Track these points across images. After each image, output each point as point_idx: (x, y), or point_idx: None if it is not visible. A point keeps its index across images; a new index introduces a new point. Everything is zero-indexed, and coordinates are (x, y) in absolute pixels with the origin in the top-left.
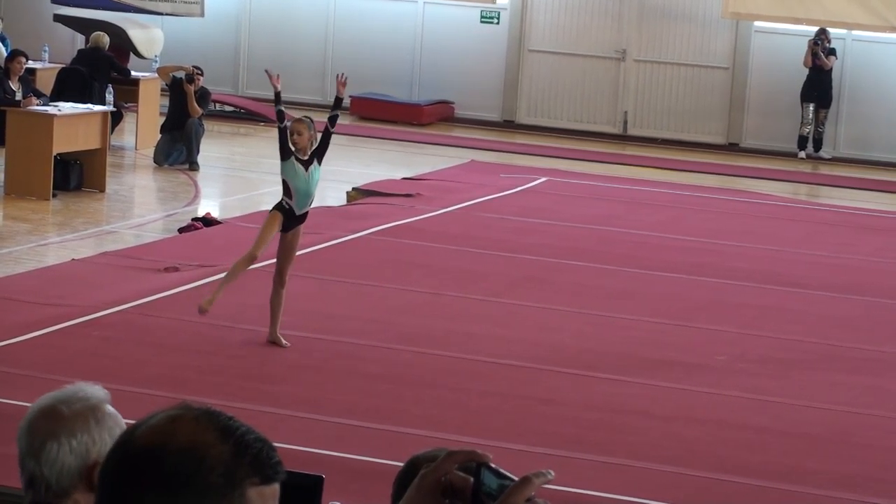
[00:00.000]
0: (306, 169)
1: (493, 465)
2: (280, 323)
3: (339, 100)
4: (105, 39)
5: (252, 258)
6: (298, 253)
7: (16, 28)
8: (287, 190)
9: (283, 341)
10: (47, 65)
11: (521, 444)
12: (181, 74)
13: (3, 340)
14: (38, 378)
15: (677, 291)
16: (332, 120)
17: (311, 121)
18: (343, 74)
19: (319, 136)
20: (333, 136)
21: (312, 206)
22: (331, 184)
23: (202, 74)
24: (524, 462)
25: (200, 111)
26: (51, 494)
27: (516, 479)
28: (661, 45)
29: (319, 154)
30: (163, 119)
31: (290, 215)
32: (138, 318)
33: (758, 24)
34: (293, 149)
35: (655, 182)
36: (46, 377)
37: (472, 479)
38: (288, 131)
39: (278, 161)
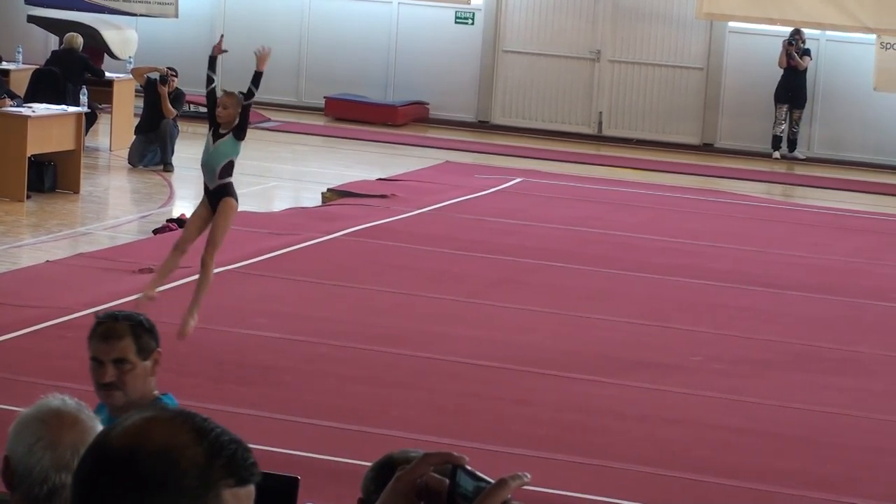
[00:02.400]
0: (215, 141)
1: (468, 468)
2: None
3: (258, 74)
4: (79, 40)
5: (179, 249)
6: (274, 253)
7: None
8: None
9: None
10: (21, 66)
11: (497, 446)
12: (155, 76)
13: None
14: (12, 380)
15: (653, 292)
16: (247, 94)
17: (242, 95)
18: (266, 47)
19: None
20: (309, 137)
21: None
22: (306, 185)
23: (176, 75)
24: (500, 463)
25: (175, 112)
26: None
27: (492, 481)
28: (635, 45)
29: (238, 129)
30: (137, 120)
31: (206, 191)
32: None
33: (732, 24)
34: (218, 121)
35: (631, 182)
36: (21, 379)
37: (447, 481)
38: (217, 102)
39: (253, 162)
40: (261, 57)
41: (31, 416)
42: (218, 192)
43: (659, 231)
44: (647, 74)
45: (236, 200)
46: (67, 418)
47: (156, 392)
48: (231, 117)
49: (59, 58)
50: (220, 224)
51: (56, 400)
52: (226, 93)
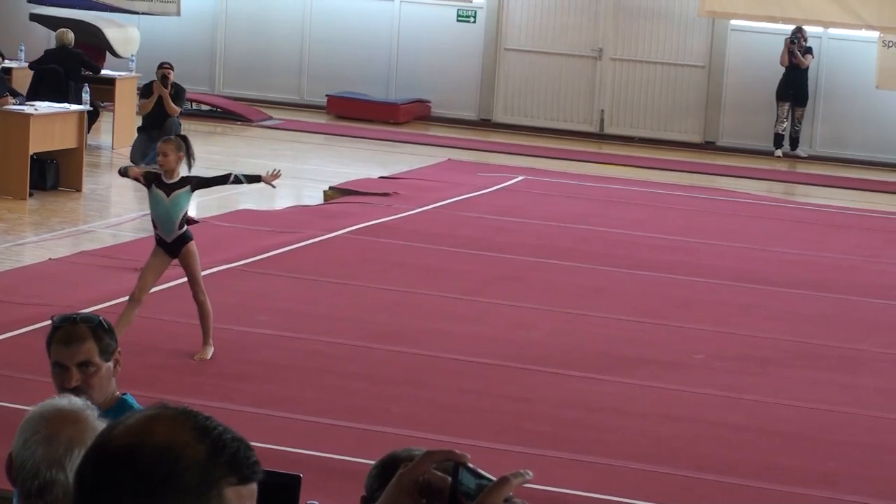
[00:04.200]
0: (168, 194)
1: (470, 465)
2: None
3: (255, 179)
4: (70, 36)
5: (135, 301)
6: (276, 251)
7: None
8: (152, 220)
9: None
10: (23, 64)
11: (497, 443)
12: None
13: None
14: (15, 378)
15: (653, 289)
16: (238, 180)
17: (182, 141)
18: (278, 170)
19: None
20: (311, 135)
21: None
22: (307, 183)
23: (172, 69)
24: (501, 461)
25: (178, 110)
26: (68, 499)
27: (494, 479)
28: (637, 43)
29: (203, 184)
30: (139, 118)
31: (163, 244)
32: (115, 317)
33: (734, 22)
34: (159, 172)
35: (632, 180)
36: (24, 377)
37: (449, 478)
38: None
39: (254, 160)
40: (270, 177)
41: (36, 413)
42: (178, 242)
43: (660, 229)
44: (649, 72)
45: (193, 240)
46: (69, 415)
47: (117, 393)
48: (173, 164)
49: (54, 56)
50: (194, 266)
51: (64, 399)
52: (163, 140)
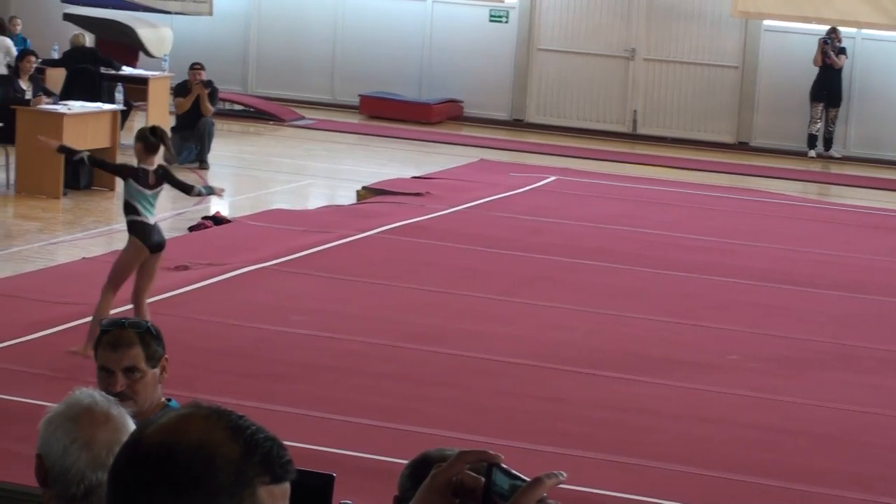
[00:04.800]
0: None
1: (504, 466)
2: None
3: (191, 190)
4: (83, 38)
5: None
6: (309, 251)
7: (26, 27)
8: None
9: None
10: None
11: (531, 444)
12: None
13: (14, 339)
14: (48, 377)
15: (687, 290)
16: (189, 190)
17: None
18: (222, 190)
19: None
20: (343, 135)
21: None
22: (340, 182)
23: (203, 69)
24: (534, 461)
25: (213, 110)
26: None
27: (528, 479)
28: (670, 43)
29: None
30: (172, 118)
31: (157, 248)
32: (150, 316)
33: (767, 22)
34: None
35: (665, 181)
36: (56, 376)
37: (483, 479)
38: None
39: (287, 160)
40: (218, 192)
41: (62, 414)
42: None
43: (693, 229)
44: (682, 73)
45: (138, 239)
46: (100, 416)
47: (163, 399)
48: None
49: (73, 58)
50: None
51: (86, 397)
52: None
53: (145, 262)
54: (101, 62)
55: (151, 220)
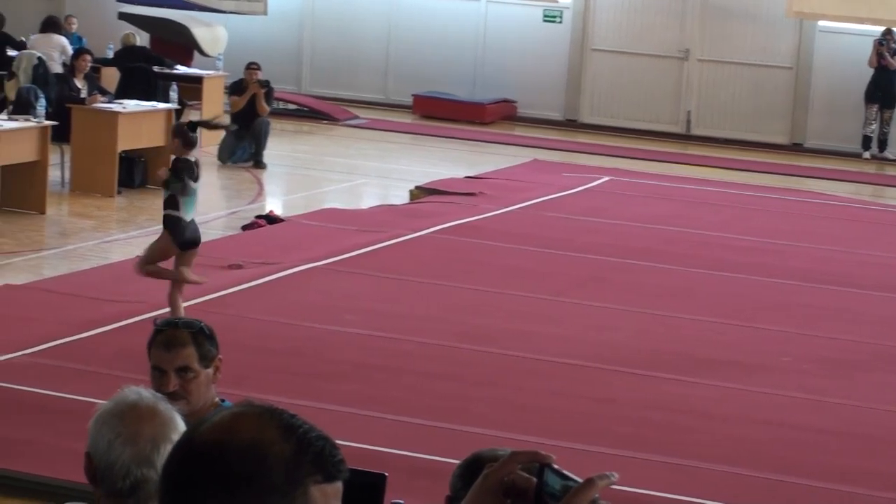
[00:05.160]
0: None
1: (556, 466)
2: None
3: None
4: (133, 38)
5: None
6: (362, 250)
7: (81, 26)
8: None
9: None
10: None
11: (582, 444)
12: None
13: (68, 337)
14: (102, 374)
15: (738, 291)
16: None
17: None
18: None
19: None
20: (397, 135)
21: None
22: (393, 182)
23: (259, 69)
24: (584, 462)
25: (268, 109)
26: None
27: (580, 480)
28: (724, 44)
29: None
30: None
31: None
32: (202, 314)
33: (822, 23)
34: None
35: (718, 182)
36: (111, 373)
37: (535, 479)
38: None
39: (340, 159)
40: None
41: (108, 411)
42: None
43: (746, 230)
44: (736, 73)
45: (168, 234)
46: (145, 412)
47: (217, 399)
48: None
49: (125, 57)
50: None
51: (133, 393)
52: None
53: (179, 259)
54: (153, 61)
55: (188, 218)
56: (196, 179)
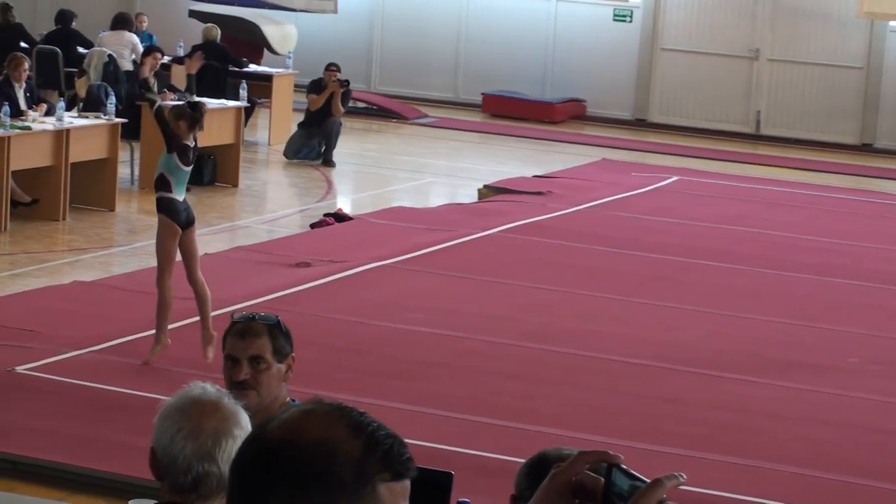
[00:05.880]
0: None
1: (624, 467)
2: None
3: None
4: (216, 32)
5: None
6: (430, 249)
7: (152, 24)
8: None
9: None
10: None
11: (648, 444)
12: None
13: (135, 333)
14: (168, 371)
15: (807, 292)
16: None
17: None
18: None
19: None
20: (466, 133)
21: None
22: (462, 181)
23: (339, 70)
24: (652, 462)
25: (343, 110)
26: (221, 489)
27: (648, 480)
28: (794, 44)
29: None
30: (296, 114)
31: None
32: (270, 312)
33: (893, 23)
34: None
35: (787, 182)
36: (177, 370)
37: (603, 479)
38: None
39: (409, 158)
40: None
41: (172, 405)
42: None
43: (815, 231)
44: (806, 73)
45: (166, 217)
46: (208, 406)
47: (288, 398)
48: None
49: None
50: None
51: (197, 388)
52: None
53: (183, 242)
54: (231, 60)
55: (180, 198)
56: (188, 164)
